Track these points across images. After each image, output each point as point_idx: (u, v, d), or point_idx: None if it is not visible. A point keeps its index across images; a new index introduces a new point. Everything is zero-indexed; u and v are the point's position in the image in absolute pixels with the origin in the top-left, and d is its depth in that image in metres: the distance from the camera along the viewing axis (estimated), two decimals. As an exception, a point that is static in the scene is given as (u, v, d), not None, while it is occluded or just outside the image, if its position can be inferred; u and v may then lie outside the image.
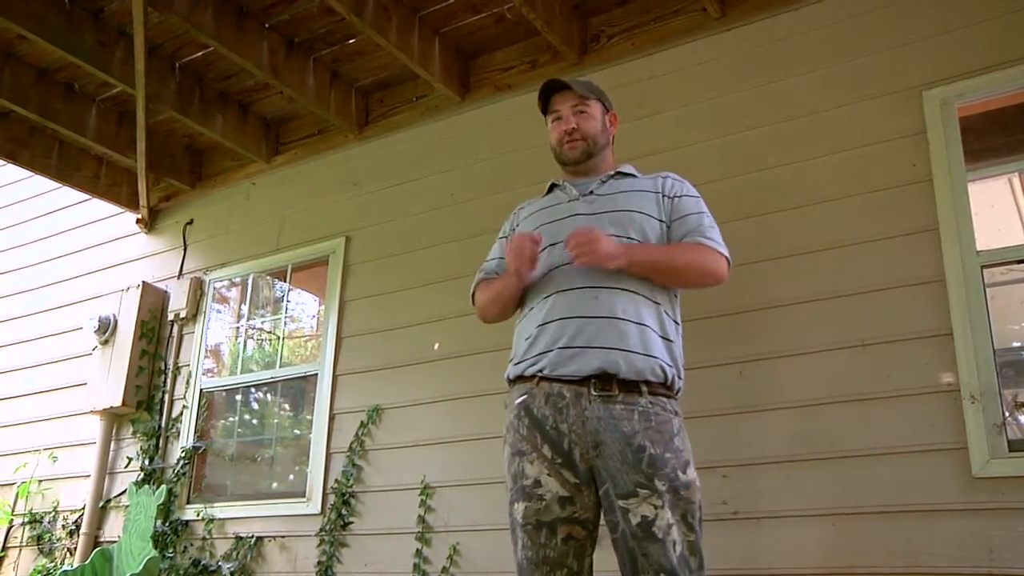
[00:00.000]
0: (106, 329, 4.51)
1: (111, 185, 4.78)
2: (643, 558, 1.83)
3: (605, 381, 1.93)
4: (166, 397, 4.38)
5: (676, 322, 2.10)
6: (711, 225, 2.15)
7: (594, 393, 1.92)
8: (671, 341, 2.05)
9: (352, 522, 3.53)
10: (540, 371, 1.99)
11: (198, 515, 3.99)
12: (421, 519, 3.33)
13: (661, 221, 2.15)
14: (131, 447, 4.40)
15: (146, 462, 4.26)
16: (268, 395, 4.38)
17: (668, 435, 1.92)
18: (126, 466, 4.37)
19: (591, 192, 2.21)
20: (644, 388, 1.94)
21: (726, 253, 2.11)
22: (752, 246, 2.80)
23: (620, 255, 1.99)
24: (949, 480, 2.40)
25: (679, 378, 2.05)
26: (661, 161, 2.82)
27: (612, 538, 1.90)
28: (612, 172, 2.27)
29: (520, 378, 2.05)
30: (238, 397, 4.33)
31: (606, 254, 1.98)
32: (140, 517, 3.69)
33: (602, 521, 1.95)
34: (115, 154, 4.45)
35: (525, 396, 2.01)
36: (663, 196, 2.19)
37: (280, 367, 4.19)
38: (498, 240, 2.40)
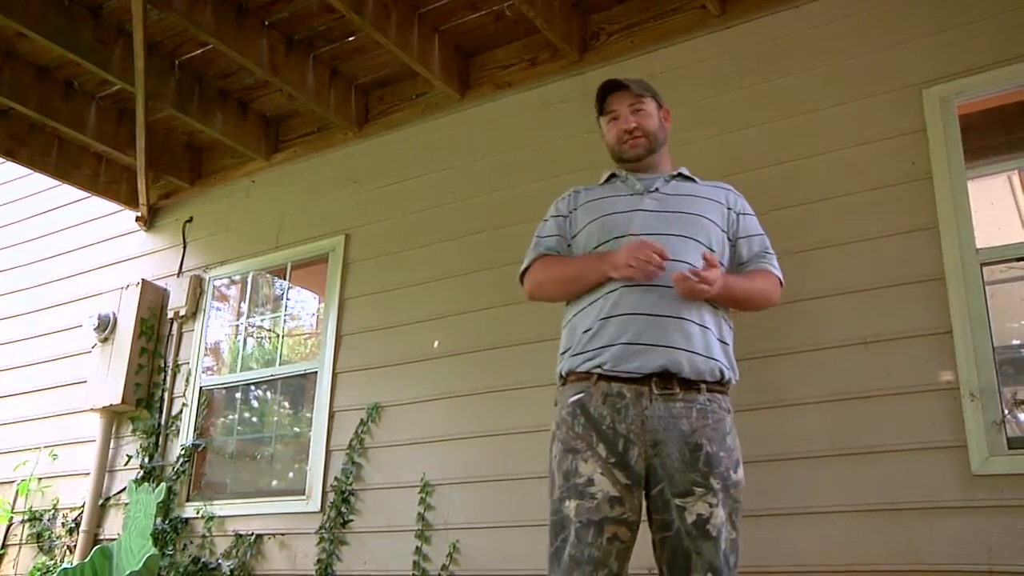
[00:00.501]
0: (106, 327, 4.51)
1: (110, 183, 4.78)
2: (696, 556, 1.85)
3: (666, 379, 1.94)
4: (166, 395, 4.38)
5: (730, 326, 2.13)
6: (770, 248, 2.24)
7: (655, 392, 1.93)
8: (727, 344, 2.08)
9: (352, 520, 3.53)
10: (599, 366, 1.98)
11: (198, 513, 3.99)
12: (421, 517, 3.33)
13: (724, 232, 2.18)
14: (131, 445, 4.40)
15: (146, 460, 4.27)
16: (268, 393, 4.38)
17: (722, 433, 1.96)
18: (126, 464, 4.37)
19: (656, 189, 2.20)
20: (703, 386, 1.97)
21: (782, 277, 2.22)
22: (752, 244, 2.80)
23: (717, 285, 1.99)
24: (948, 478, 2.41)
25: (734, 379, 2.08)
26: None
27: (661, 536, 1.92)
28: (674, 172, 2.28)
29: (574, 374, 2.04)
30: (238, 395, 4.33)
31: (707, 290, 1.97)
32: (140, 515, 3.69)
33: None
34: (114, 152, 4.44)
35: (581, 395, 2.00)
36: (728, 209, 2.22)
37: (280, 365, 4.19)
38: (552, 218, 2.33)
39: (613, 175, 2.32)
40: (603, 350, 1.99)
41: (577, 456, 1.96)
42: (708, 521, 1.87)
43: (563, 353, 2.13)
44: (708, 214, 2.16)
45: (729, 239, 2.21)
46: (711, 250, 2.10)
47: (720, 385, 2.02)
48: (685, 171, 2.30)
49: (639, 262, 1.96)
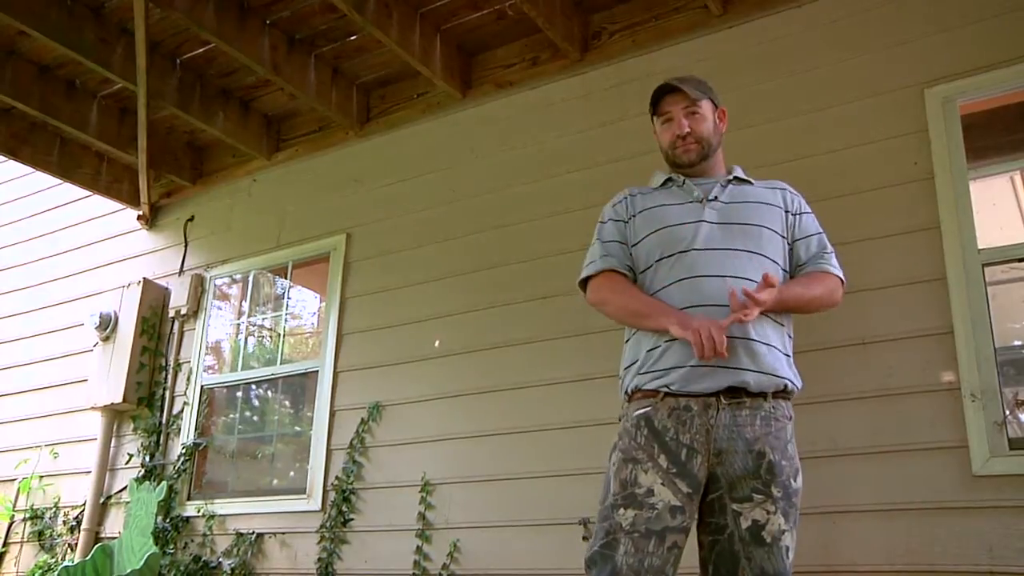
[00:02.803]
0: (107, 326, 4.52)
1: (112, 181, 4.78)
2: (746, 561, 1.86)
3: (734, 393, 1.94)
4: (167, 394, 4.38)
5: (791, 337, 2.12)
6: (829, 247, 2.21)
7: (723, 402, 1.94)
8: (790, 357, 2.07)
9: (352, 519, 3.53)
10: (667, 386, 1.97)
11: (199, 511, 3.99)
12: (421, 516, 3.33)
13: (784, 238, 2.16)
14: (132, 443, 4.41)
15: (147, 458, 4.27)
16: (269, 392, 4.39)
17: (784, 441, 1.96)
18: (127, 462, 4.38)
19: (715, 198, 2.16)
20: (768, 395, 1.97)
21: (843, 276, 2.19)
22: (753, 244, 2.79)
23: (768, 304, 1.97)
24: (949, 478, 2.40)
25: (798, 389, 2.06)
26: (661, 159, 2.80)
27: (710, 539, 1.93)
28: (731, 176, 2.24)
29: (640, 392, 2.03)
30: (239, 394, 4.34)
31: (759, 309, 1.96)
32: (141, 513, 3.69)
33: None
34: (116, 151, 4.45)
35: (648, 409, 1.99)
36: (787, 213, 2.20)
37: (281, 364, 4.19)
38: (611, 221, 2.25)
39: (669, 179, 2.27)
40: (670, 371, 1.98)
41: (637, 466, 1.95)
42: (763, 528, 1.88)
43: (627, 367, 2.11)
44: (769, 223, 2.14)
45: (789, 243, 2.18)
46: (774, 261, 2.09)
47: (785, 392, 2.02)
48: (740, 173, 2.27)
49: (708, 343, 1.89)
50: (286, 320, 4.46)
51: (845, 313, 2.67)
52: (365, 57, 3.89)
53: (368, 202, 4.06)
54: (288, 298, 4.56)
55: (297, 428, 4.18)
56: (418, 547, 3.29)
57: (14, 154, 4.46)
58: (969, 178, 2.60)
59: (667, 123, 2.26)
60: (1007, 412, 2.41)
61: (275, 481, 4.16)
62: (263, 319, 4.55)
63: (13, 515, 4.69)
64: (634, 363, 2.08)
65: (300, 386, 4.15)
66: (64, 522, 4.47)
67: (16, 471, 4.75)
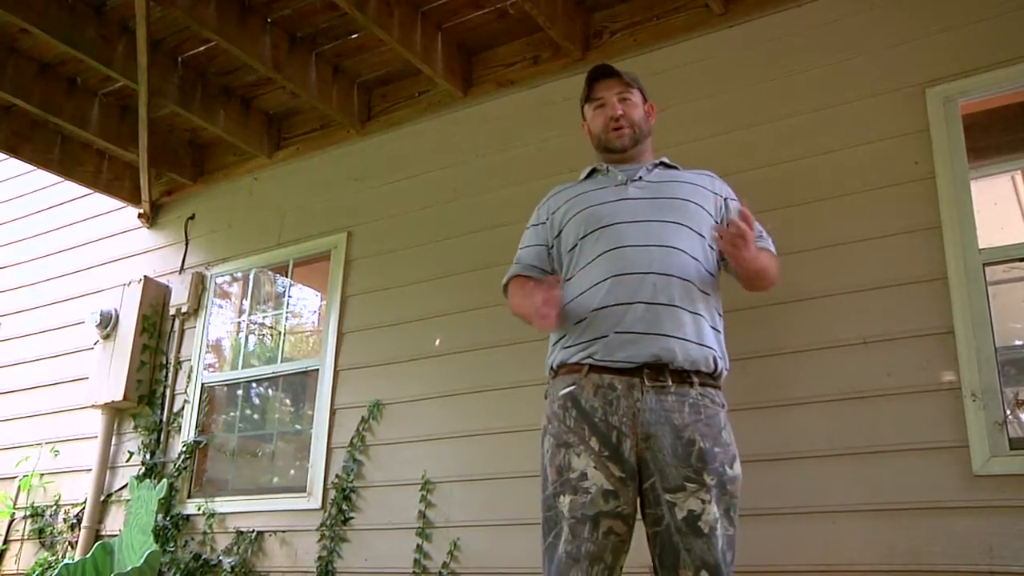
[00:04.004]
0: (108, 324, 4.52)
1: (113, 180, 4.78)
2: (686, 552, 1.84)
3: (658, 371, 1.92)
4: (167, 392, 4.38)
5: (720, 313, 2.10)
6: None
7: (647, 384, 1.92)
8: (719, 332, 2.06)
9: (353, 517, 3.53)
10: (590, 356, 1.96)
11: (199, 509, 4.00)
12: (422, 514, 3.33)
13: (713, 217, 2.16)
14: (132, 441, 4.41)
15: (147, 456, 4.27)
16: (269, 390, 4.39)
17: (717, 428, 1.94)
18: (127, 460, 4.38)
19: (640, 178, 2.19)
20: (695, 379, 1.95)
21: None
22: (754, 243, 2.80)
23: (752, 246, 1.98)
24: (950, 478, 2.40)
25: (726, 369, 2.06)
26: (663, 158, 2.82)
27: (652, 531, 1.91)
28: (657, 161, 2.27)
29: (565, 366, 2.03)
30: (239, 392, 4.34)
31: (749, 253, 1.96)
32: (141, 511, 3.70)
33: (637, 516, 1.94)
34: (117, 149, 4.45)
35: (572, 387, 1.98)
36: (716, 195, 2.21)
37: (281, 362, 4.19)
38: (531, 227, 2.32)
39: (594, 170, 2.30)
40: (595, 341, 1.97)
41: (570, 450, 1.94)
42: (699, 518, 1.85)
43: (555, 344, 2.11)
44: (696, 199, 2.15)
45: (716, 222, 2.18)
46: (701, 235, 2.09)
47: (712, 378, 2.00)
48: (667, 160, 2.30)
49: (538, 313, 1.91)
50: (287, 318, 4.46)
51: (845, 312, 2.68)
52: (366, 56, 3.89)
53: (369, 201, 4.06)
54: (289, 296, 4.56)
55: (297, 426, 4.18)
56: (418, 545, 3.30)
57: (15, 152, 4.46)
58: (970, 178, 2.60)
59: (600, 108, 2.28)
60: (1008, 412, 2.41)
61: (275, 479, 4.17)
62: (264, 317, 4.55)
63: (14, 513, 4.69)
64: (561, 338, 2.08)
65: (300, 384, 4.16)
66: (64, 520, 4.47)
67: (17, 469, 4.75)
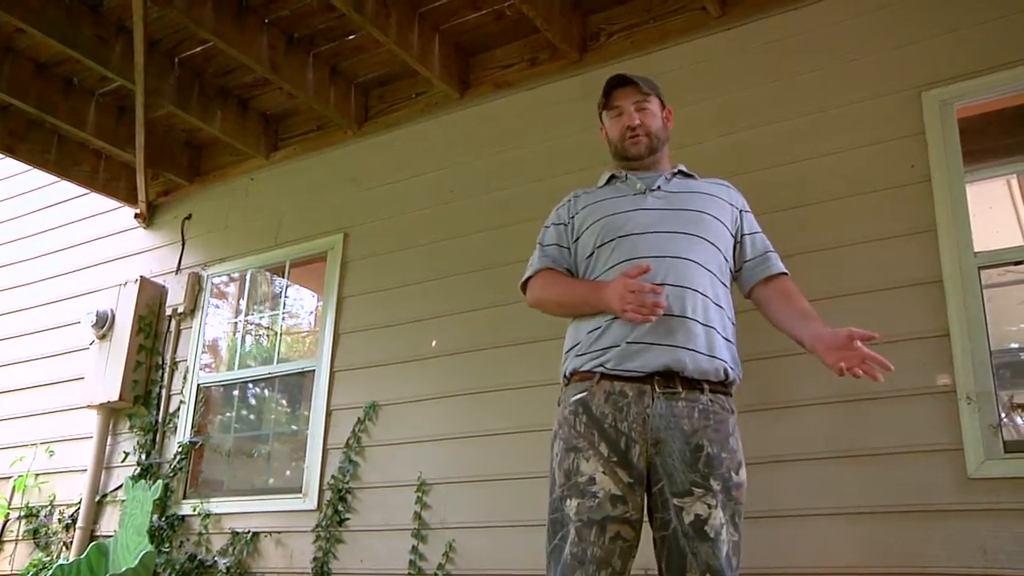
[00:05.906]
0: (104, 324, 4.51)
1: (110, 180, 4.78)
2: (692, 557, 1.85)
3: (668, 378, 1.94)
4: (163, 392, 4.38)
5: (734, 324, 2.13)
6: (771, 245, 2.27)
7: (658, 390, 1.93)
8: (731, 343, 2.08)
9: (348, 518, 3.53)
10: (602, 365, 1.98)
11: (194, 510, 3.99)
12: (417, 516, 3.33)
13: (728, 229, 2.19)
14: (128, 442, 4.40)
15: (143, 457, 4.27)
16: (265, 391, 4.38)
17: (725, 434, 1.96)
18: (123, 461, 4.37)
19: (658, 187, 2.20)
20: (706, 386, 1.97)
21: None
22: (750, 246, 2.80)
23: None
24: (945, 481, 2.41)
25: (738, 378, 2.08)
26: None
27: (658, 536, 1.92)
28: (675, 170, 2.29)
29: (577, 374, 2.04)
30: (235, 392, 4.33)
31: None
32: (136, 512, 3.69)
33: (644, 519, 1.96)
34: (114, 149, 4.44)
35: (584, 393, 2.00)
36: (731, 206, 2.23)
37: (277, 363, 4.19)
38: (552, 226, 2.32)
39: (613, 176, 2.31)
40: (608, 350, 1.99)
41: (579, 455, 1.96)
42: (706, 522, 1.87)
43: (568, 351, 2.13)
44: (712, 211, 2.17)
45: (733, 236, 2.21)
46: (716, 247, 2.11)
47: (723, 386, 2.03)
48: (684, 168, 2.31)
49: (634, 305, 1.91)
50: (283, 319, 4.46)
51: (841, 315, 2.67)
52: (363, 56, 3.89)
53: (366, 202, 4.06)
54: (285, 297, 4.55)
55: (293, 427, 4.18)
56: (414, 547, 3.29)
57: (11, 151, 4.45)
58: (966, 181, 2.61)
59: (617, 116, 2.30)
60: (1002, 415, 2.42)
61: (271, 480, 4.16)
62: (260, 318, 4.54)
63: (8, 513, 4.68)
64: (575, 345, 2.10)
65: (297, 385, 4.15)
66: (59, 520, 4.46)
67: (11, 469, 4.74)
